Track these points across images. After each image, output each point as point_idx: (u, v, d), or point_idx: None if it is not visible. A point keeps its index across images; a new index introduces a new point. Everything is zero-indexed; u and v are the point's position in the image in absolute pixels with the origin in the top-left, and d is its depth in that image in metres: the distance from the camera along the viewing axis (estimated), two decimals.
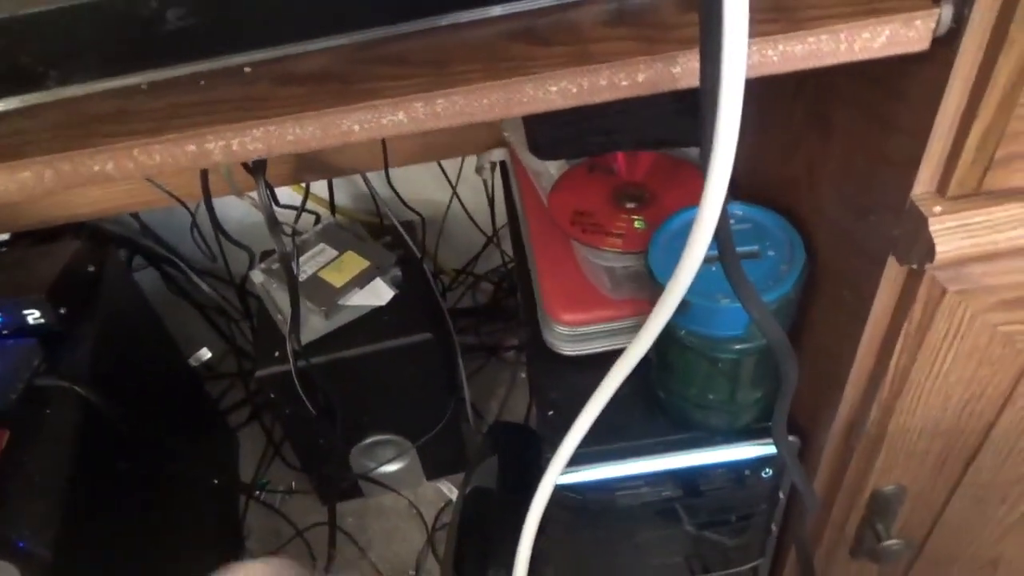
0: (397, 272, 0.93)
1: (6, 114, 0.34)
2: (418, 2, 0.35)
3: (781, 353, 0.43)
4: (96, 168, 0.32)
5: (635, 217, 0.64)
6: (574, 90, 0.33)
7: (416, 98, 0.32)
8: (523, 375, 1.21)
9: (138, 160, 0.32)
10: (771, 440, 0.60)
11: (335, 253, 0.95)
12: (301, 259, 0.94)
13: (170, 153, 0.32)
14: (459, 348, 1.04)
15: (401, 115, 0.32)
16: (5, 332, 0.75)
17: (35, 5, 0.30)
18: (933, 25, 0.33)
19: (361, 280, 0.92)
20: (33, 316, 0.75)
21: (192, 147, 0.32)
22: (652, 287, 0.53)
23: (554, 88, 0.32)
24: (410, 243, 0.97)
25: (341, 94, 0.33)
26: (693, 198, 0.63)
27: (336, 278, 0.92)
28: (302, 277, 0.92)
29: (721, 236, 0.35)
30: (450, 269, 1.23)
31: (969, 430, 0.53)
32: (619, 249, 0.61)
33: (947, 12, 0.33)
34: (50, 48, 0.34)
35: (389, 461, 1.04)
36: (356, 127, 0.32)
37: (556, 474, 0.48)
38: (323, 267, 0.94)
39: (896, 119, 0.40)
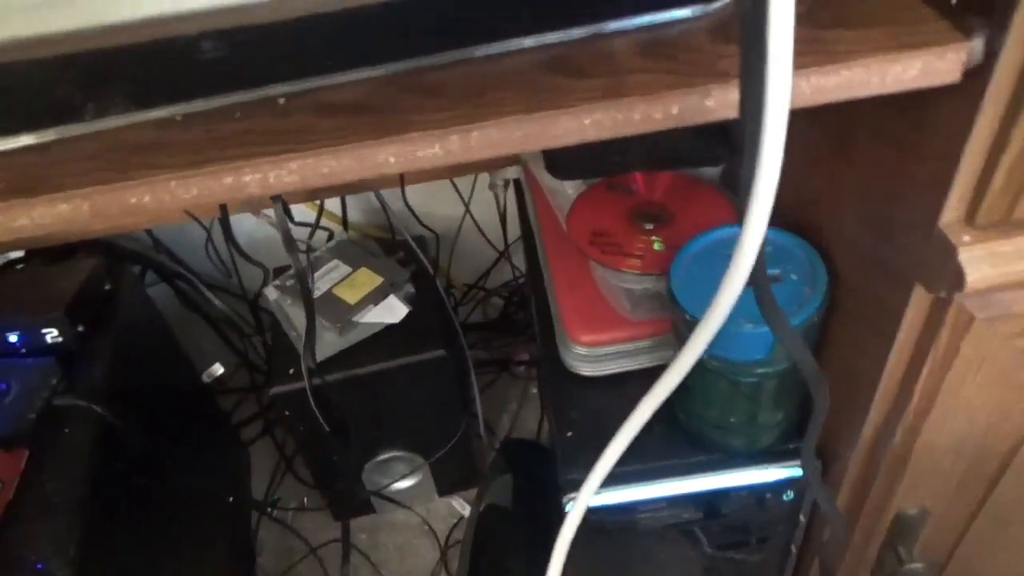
0: (411, 288, 0.93)
1: (44, 146, 0.34)
2: (452, 34, 0.35)
3: (814, 382, 0.43)
4: (133, 200, 0.32)
5: (654, 238, 0.64)
6: (608, 123, 0.33)
7: (452, 131, 0.32)
8: (534, 390, 1.21)
9: (175, 193, 0.32)
10: (792, 463, 0.60)
11: (349, 270, 0.95)
12: (315, 275, 0.94)
13: (206, 186, 0.32)
14: (472, 366, 1.04)
15: (437, 148, 0.32)
16: (23, 350, 0.76)
17: (72, 45, 0.30)
18: (965, 58, 0.33)
19: (375, 297, 0.92)
20: (51, 335, 0.75)
21: (229, 179, 0.32)
22: (673, 310, 0.53)
23: (588, 121, 0.33)
24: (423, 260, 0.97)
25: (376, 126, 0.33)
26: (711, 218, 0.63)
27: (350, 295, 0.92)
28: (316, 294, 0.92)
29: (759, 283, 0.35)
30: (461, 284, 1.23)
31: (994, 452, 0.52)
32: (638, 271, 0.61)
33: (978, 45, 0.33)
34: (87, 80, 0.34)
35: (402, 477, 1.03)
36: (392, 159, 0.33)
37: (581, 512, 0.48)
38: (337, 284, 0.94)
39: (923, 147, 0.40)
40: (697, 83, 0.33)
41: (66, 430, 0.71)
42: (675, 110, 0.33)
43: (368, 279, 0.94)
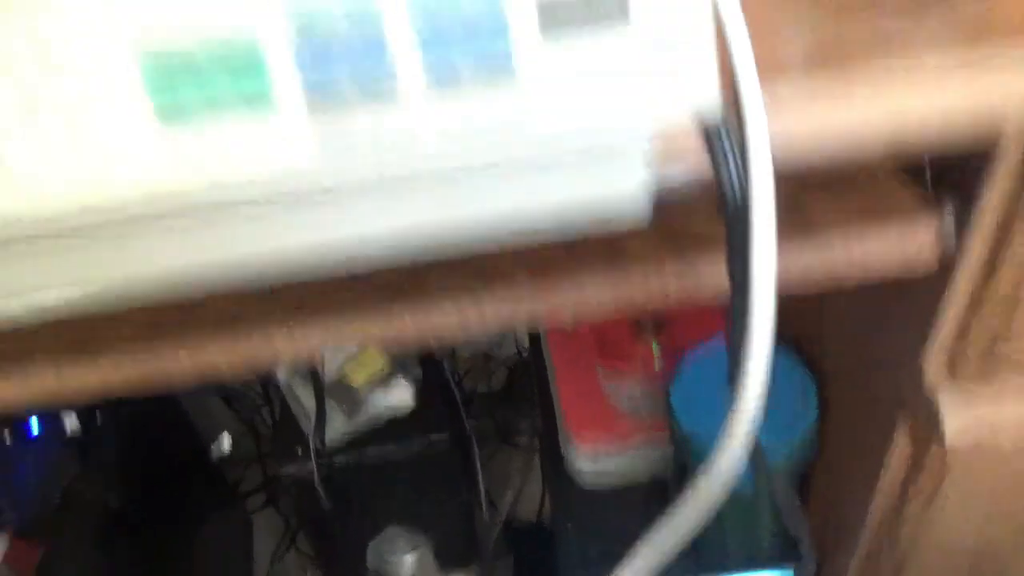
0: (418, 371, 0.96)
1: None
2: None
3: (800, 539, 0.45)
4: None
5: (653, 342, 0.67)
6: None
7: (465, 309, 0.35)
8: (537, 461, 1.22)
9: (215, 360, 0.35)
10: (788, 565, 0.61)
11: (355, 347, 0.98)
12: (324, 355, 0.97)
13: (248, 349, 0.35)
14: (475, 440, 1.06)
15: (453, 320, 0.35)
16: (42, 438, 0.78)
17: None
18: (939, 251, 0.36)
19: (383, 378, 0.94)
20: (71, 423, 0.77)
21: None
22: (673, 426, 0.56)
23: (595, 302, 0.35)
24: None
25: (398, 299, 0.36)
26: (710, 323, 0.65)
27: (358, 375, 0.94)
28: (326, 378, 0.94)
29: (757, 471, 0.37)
30: (464, 356, 1.25)
31: (989, 553, 0.54)
32: (638, 377, 0.64)
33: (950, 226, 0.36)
34: None
35: (403, 554, 1.04)
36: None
37: None
38: (344, 363, 0.96)
39: (902, 300, 0.43)
40: (689, 256, 0.36)
41: (79, 519, 0.72)
42: (672, 288, 0.36)
43: (374, 358, 0.97)
